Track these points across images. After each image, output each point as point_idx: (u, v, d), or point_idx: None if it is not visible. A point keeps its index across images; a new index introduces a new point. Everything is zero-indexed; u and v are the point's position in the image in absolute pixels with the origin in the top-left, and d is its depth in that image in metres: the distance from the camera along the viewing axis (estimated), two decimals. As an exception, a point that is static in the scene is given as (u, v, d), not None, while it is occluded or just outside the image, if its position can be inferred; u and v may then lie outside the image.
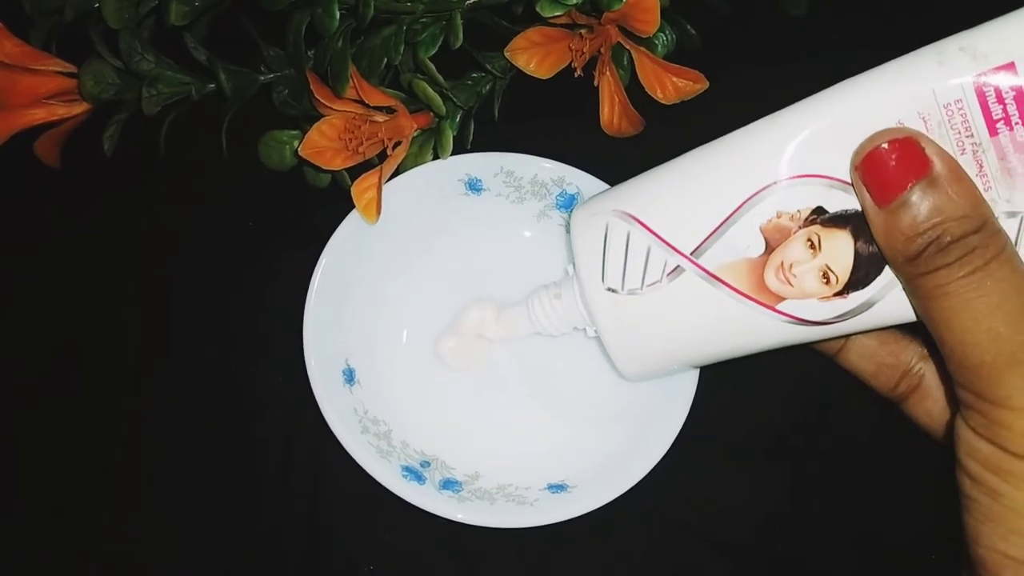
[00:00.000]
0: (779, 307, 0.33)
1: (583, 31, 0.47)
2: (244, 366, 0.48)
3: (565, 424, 0.46)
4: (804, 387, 0.48)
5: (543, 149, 0.47)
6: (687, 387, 0.43)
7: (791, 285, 0.33)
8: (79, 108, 0.48)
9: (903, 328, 0.38)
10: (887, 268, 0.32)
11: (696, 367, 0.39)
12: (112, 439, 0.47)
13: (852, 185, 0.31)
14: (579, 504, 0.41)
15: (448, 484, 0.42)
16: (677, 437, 0.42)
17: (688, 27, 0.49)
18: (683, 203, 0.35)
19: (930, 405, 0.38)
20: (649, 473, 0.42)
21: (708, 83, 0.47)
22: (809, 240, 0.32)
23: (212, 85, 0.48)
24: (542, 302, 0.41)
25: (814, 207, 0.32)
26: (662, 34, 0.48)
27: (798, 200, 0.32)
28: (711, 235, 0.33)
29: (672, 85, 0.48)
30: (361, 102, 0.45)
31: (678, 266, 0.34)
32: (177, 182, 0.52)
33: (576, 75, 0.47)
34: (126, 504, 0.47)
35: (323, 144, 0.45)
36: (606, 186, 0.46)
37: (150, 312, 0.49)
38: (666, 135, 0.50)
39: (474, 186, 0.47)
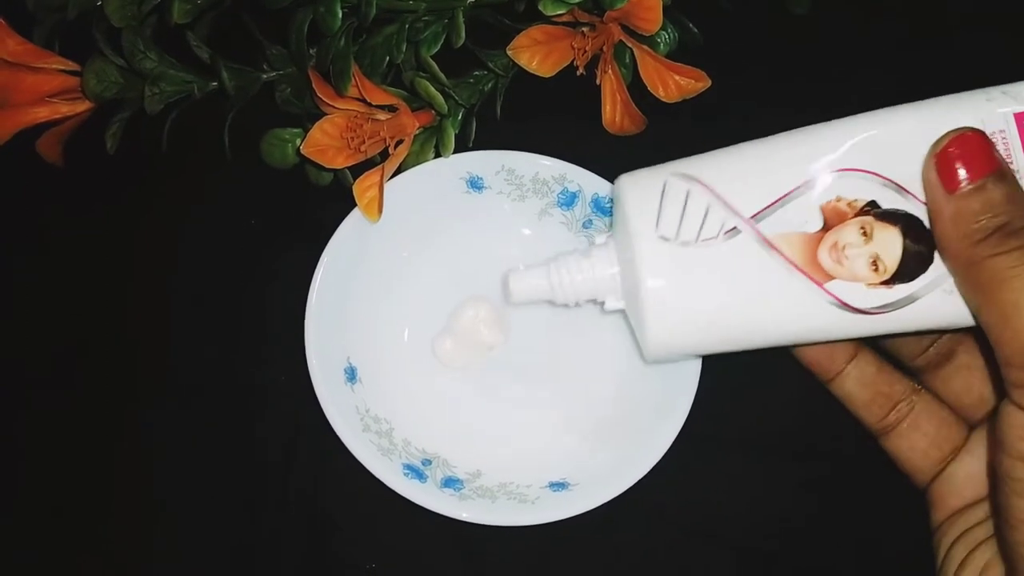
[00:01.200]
0: (827, 286, 0.34)
1: (585, 29, 0.47)
2: (246, 365, 0.48)
3: (566, 422, 0.46)
4: (807, 386, 0.48)
5: (545, 148, 0.47)
6: (689, 385, 0.43)
7: (842, 265, 0.34)
8: (82, 106, 0.49)
9: (895, 364, 0.41)
10: (931, 268, 0.33)
11: (723, 350, 0.38)
12: (112, 438, 0.47)
13: (908, 185, 0.34)
14: (580, 502, 0.41)
15: (449, 482, 0.43)
16: (678, 436, 0.42)
17: (690, 25, 0.49)
18: (748, 172, 0.36)
19: (917, 439, 0.39)
20: (650, 472, 0.42)
21: (710, 81, 0.47)
22: (862, 228, 0.34)
23: (214, 83, 0.48)
24: (567, 263, 0.40)
25: (869, 200, 0.34)
26: (664, 32, 0.48)
27: (856, 190, 0.34)
28: (772, 204, 0.35)
29: (674, 83, 0.48)
30: (363, 100, 0.45)
31: (735, 227, 0.35)
32: (179, 180, 0.52)
33: (578, 73, 0.47)
34: (126, 504, 0.47)
35: (325, 142, 0.45)
36: (608, 184, 0.46)
37: (151, 311, 0.49)
38: (668, 134, 0.51)
39: (475, 184, 0.47)
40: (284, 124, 0.48)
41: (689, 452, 0.43)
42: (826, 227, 0.34)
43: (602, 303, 0.40)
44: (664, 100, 0.48)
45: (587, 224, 0.47)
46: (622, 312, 0.40)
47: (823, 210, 0.34)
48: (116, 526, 0.46)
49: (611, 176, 0.46)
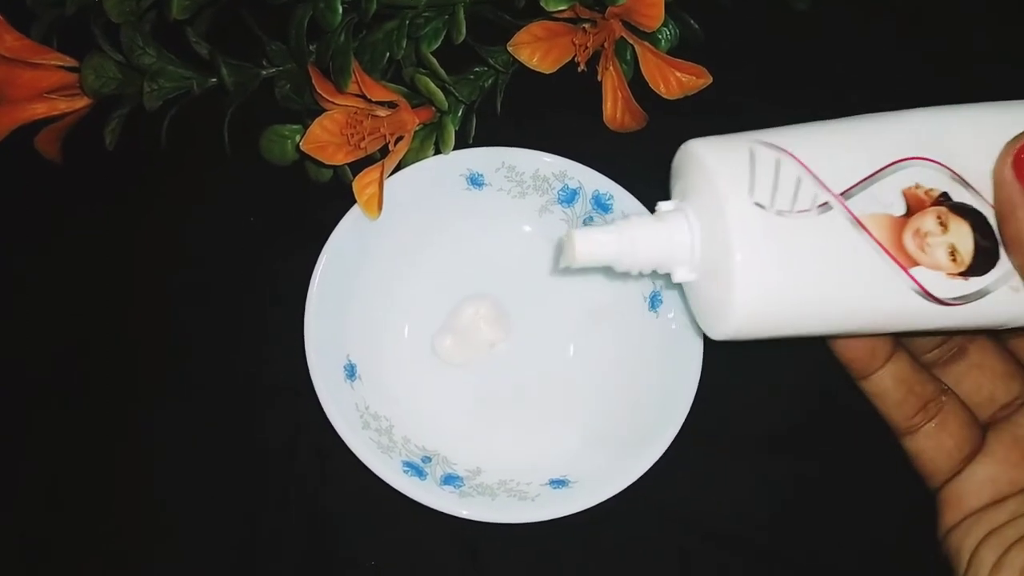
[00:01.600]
0: (912, 271, 0.34)
1: (586, 26, 0.47)
2: (245, 362, 0.48)
3: (567, 419, 0.46)
4: (808, 382, 0.48)
5: (545, 144, 0.47)
6: (689, 383, 0.43)
7: (924, 252, 0.34)
8: (80, 102, 0.48)
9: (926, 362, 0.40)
10: (998, 264, 0.33)
11: (800, 332, 0.36)
12: (113, 438, 0.47)
13: (974, 182, 0.34)
14: (580, 499, 0.41)
15: (449, 479, 0.42)
16: (678, 433, 0.42)
17: (691, 22, 0.49)
18: (836, 147, 0.35)
19: (944, 438, 0.39)
20: (650, 469, 0.42)
21: (712, 78, 0.47)
22: (939, 217, 0.34)
23: (214, 79, 0.48)
24: (640, 226, 0.36)
25: (942, 191, 0.34)
26: (665, 29, 0.48)
27: (933, 180, 0.34)
28: (860, 183, 0.34)
29: (675, 80, 0.48)
30: (363, 97, 0.45)
31: (827, 202, 0.33)
32: (178, 177, 0.51)
33: (579, 70, 0.47)
34: (127, 503, 0.47)
35: (325, 139, 0.45)
36: (608, 181, 0.46)
37: (151, 309, 0.49)
38: (669, 130, 0.50)
39: (476, 181, 0.47)
40: (284, 120, 0.48)
41: (690, 449, 0.42)
42: (909, 212, 0.34)
43: (665, 274, 0.37)
44: (665, 96, 0.48)
45: (587, 221, 0.47)
46: (684, 285, 0.37)
47: (905, 195, 0.34)
48: (117, 525, 0.46)
49: (612, 173, 0.47)
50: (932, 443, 0.39)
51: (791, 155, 0.34)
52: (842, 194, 0.34)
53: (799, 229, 0.33)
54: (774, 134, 0.35)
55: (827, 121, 0.36)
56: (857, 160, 0.34)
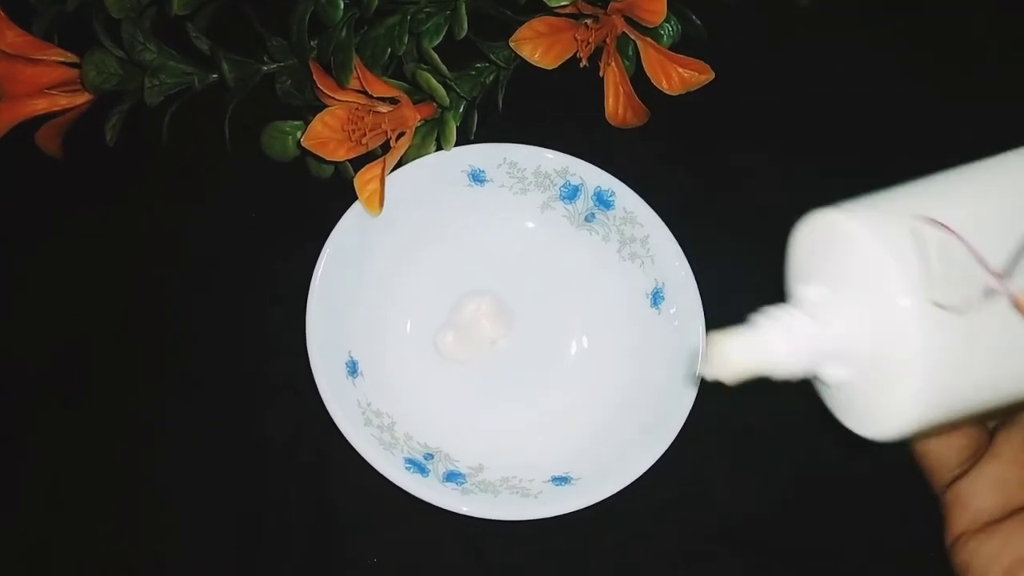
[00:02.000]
0: None
1: (588, 21, 0.47)
2: (246, 360, 0.48)
3: (569, 416, 0.46)
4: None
5: (547, 141, 0.47)
6: (692, 380, 0.43)
7: None
8: (81, 98, 0.48)
9: None
10: None
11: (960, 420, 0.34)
12: (114, 436, 0.47)
13: None
14: (583, 496, 0.41)
15: (452, 476, 0.42)
16: (681, 429, 0.42)
17: (693, 18, 0.49)
18: (985, 212, 0.31)
19: (951, 436, 0.38)
20: (653, 466, 0.42)
21: (714, 74, 0.47)
22: None
23: (215, 75, 0.48)
24: (787, 320, 0.31)
25: None
26: (668, 24, 0.48)
27: None
28: (1015, 257, 0.30)
29: (678, 76, 0.48)
30: (364, 92, 0.45)
31: (992, 287, 0.30)
32: (179, 173, 0.51)
33: (581, 65, 0.47)
34: (128, 501, 0.46)
35: (326, 135, 0.45)
36: (610, 177, 0.46)
37: (152, 307, 0.49)
38: (672, 127, 0.50)
39: (477, 177, 0.47)
40: (285, 116, 0.48)
41: (692, 445, 0.42)
42: None
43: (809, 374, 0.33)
44: (668, 92, 0.48)
45: (589, 218, 0.47)
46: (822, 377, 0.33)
47: None
48: (117, 525, 0.46)
49: (614, 169, 0.46)
50: (939, 441, 0.38)
51: (952, 231, 0.30)
52: (1002, 274, 0.30)
53: (972, 324, 0.30)
54: (932, 201, 0.31)
55: (961, 173, 0.32)
56: (1004, 225, 0.30)
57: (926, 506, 0.44)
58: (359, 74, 0.44)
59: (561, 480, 0.42)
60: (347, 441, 0.42)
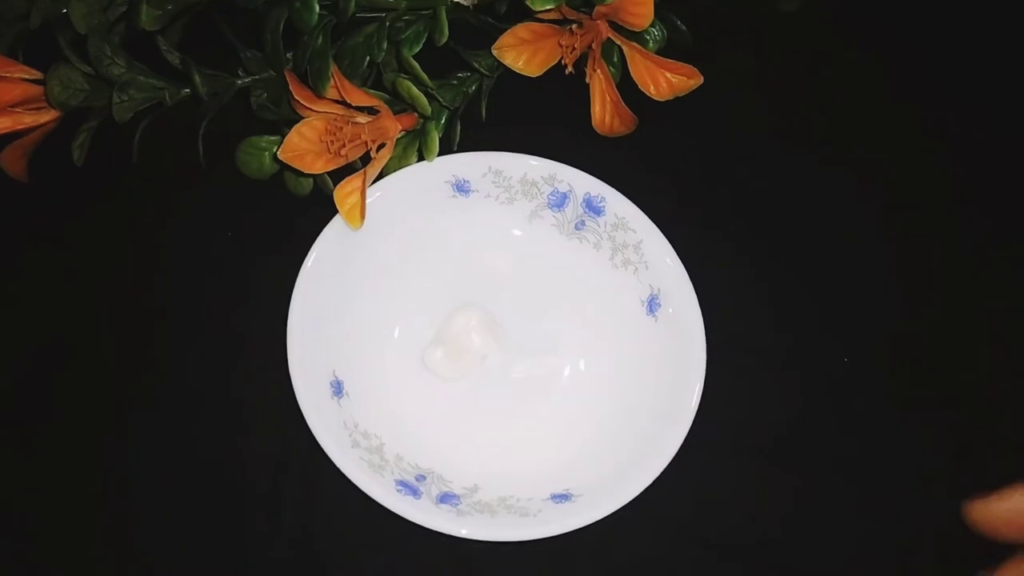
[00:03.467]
0: None
1: (573, 27, 0.45)
2: (226, 382, 0.46)
3: (567, 431, 0.44)
4: (811, 390, 0.46)
5: (532, 150, 0.45)
6: (692, 391, 0.41)
7: None
8: (46, 116, 0.46)
9: None
10: None
11: None
12: (86, 462, 0.44)
13: None
14: (585, 514, 0.39)
15: (446, 498, 0.40)
16: (684, 440, 0.40)
17: (678, 23, 0.48)
18: None
19: None
20: (655, 479, 0.40)
21: (703, 78, 0.46)
22: None
23: (187, 90, 0.46)
24: None
25: None
26: (653, 29, 0.47)
27: None
28: None
29: (666, 81, 0.47)
30: (343, 103, 0.44)
31: None
32: (152, 193, 0.49)
33: (567, 72, 0.46)
34: (100, 531, 0.43)
35: (303, 147, 0.43)
36: (599, 182, 0.45)
37: (125, 329, 0.47)
38: (660, 134, 0.49)
39: (462, 188, 0.45)
40: (261, 132, 0.46)
41: (694, 458, 0.41)
42: None
43: None
44: (655, 98, 0.47)
45: (579, 225, 0.45)
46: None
47: None
48: (94, 551, 0.43)
49: (602, 177, 0.45)
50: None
51: None
52: None
53: None
54: None
55: None
56: None
57: (932, 518, 0.44)
58: (337, 83, 0.43)
59: (561, 497, 0.40)
60: (334, 465, 0.39)
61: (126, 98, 0.45)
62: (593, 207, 0.45)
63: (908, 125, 0.52)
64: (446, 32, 0.44)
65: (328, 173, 0.45)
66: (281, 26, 0.43)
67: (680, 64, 0.46)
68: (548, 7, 0.43)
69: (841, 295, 0.48)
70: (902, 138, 0.52)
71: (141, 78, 0.45)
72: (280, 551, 0.43)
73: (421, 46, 0.45)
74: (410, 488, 0.40)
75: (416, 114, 0.45)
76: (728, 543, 0.44)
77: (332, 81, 0.43)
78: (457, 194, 0.45)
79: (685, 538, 0.43)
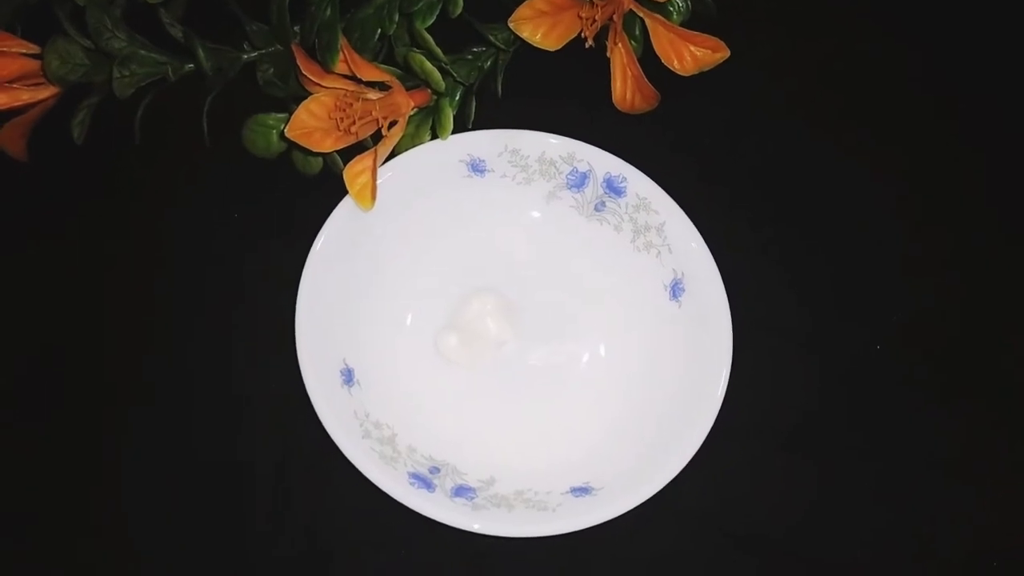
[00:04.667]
0: None
1: (593, -3, 0.44)
2: (233, 370, 0.44)
3: (586, 422, 0.42)
4: (834, 382, 0.45)
5: (550, 128, 0.44)
6: (718, 376, 0.40)
7: None
8: (45, 92, 0.45)
9: None
10: None
11: None
12: (86, 453, 0.43)
13: None
14: (606, 508, 0.38)
15: (461, 491, 0.39)
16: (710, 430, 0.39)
17: (703, -6, 0.46)
18: None
19: None
20: (680, 471, 0.38)
21: (729, 51, 0.44)
22: None
23: (190, 65, 0.44)
24: None
25: None
26: (677, 0, 0.45)
27: None
28: None
29: (690, 55, 0.45)
30: (353, 78, 0.42)
31: None
32: (155, 172, 0.48)
33: (587, 46, 0.44)
34: (101, 523, 0.42)
35: (312, 124, 0.41)
36: (621, 162, 0.43)
37: (127, 314, 0.45)
38: (684, 111, 0.48)
39: (477, 167, 0.44)
40: (268, 109, 0.44)
41: (716, 447, 0.39)
42: None
43: None
44: (679, 73, 0.45)
45: (599, 207, 0.44)
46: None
47: None
48: (89, 549, 0.42)
49: (623, 156, 0.43)
50: None
51: None
52: None
53: None
54: None
55: None
56: None
57: (950, 507, 0.43)
58: (346, 56, 0.41)
59: (581, 491, 0.39)
60: (343, 457, 0.38)
61: (127, 73, 0.43)
62: (614, 187, 0.43)
63: (940, 102, 0.51)
64: (460, 4, 0.42)
65: (338, 152, 0.43)
66: (288, -2, 0.41)
67: (705, 36, 0.44)
68: (567, -23, 0.41)
69: (865, 279, 0.47)
70: (933, 114, 0.50)
71: (143, 52, 0.43)
72: (284, 549, 0.41)
73: (435, 18, 0.43)
74: (423, 481, 0.38)
75: (429, 90, 0.44)
76: (751, 534, 0.42)
77: (341, 55, 0.41)
78: (472, 174, 0.44)
79: (708, 531, 0.42)
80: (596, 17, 0.44)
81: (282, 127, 0.43)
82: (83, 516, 0.42)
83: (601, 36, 0.45)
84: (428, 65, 0.42)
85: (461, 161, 0.43)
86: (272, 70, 0.45)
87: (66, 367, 0.45)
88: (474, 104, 0.45)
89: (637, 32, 0.46)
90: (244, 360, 0.44)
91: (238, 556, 0.42)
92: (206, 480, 0.43)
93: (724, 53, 0.44)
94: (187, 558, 0.41)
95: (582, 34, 0.44)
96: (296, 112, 0.41)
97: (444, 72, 0.43)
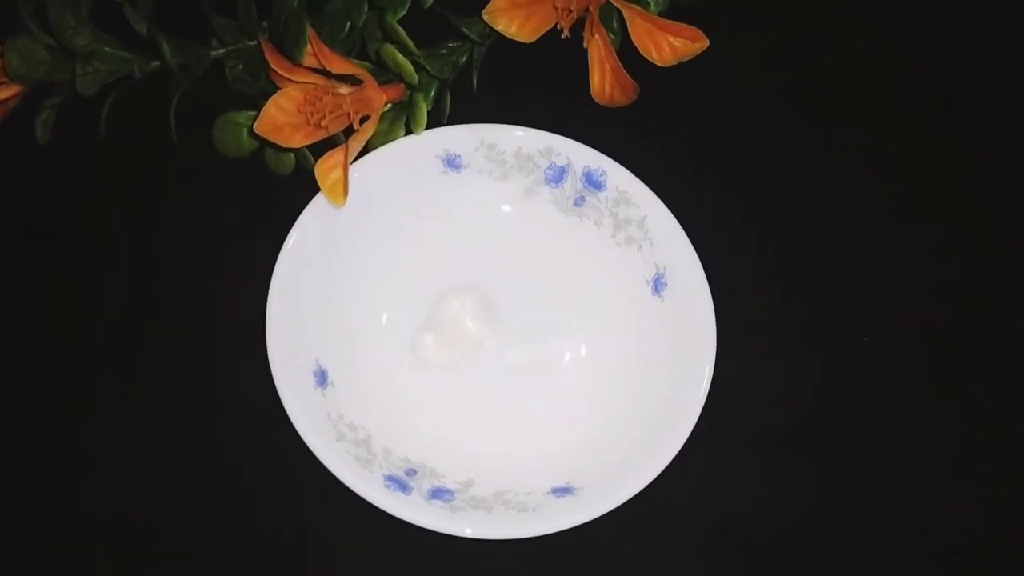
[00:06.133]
0: None
1: (568, -13, 0.43)
2: (203, 373, 0.43)
3: (567, 420, 0.42)
4: (819, 379, 0.45)
5: (527, 123, 0.43)
6: (701, 373, 0.39)
7: None
8: (7, 92, 0.44)
9: None
10: None
11: None
12: (60, 456, 0.42)
13: None
14: (587, 508, 0.37)
15: (438, 493, 0.38)
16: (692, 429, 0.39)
17: (681, -16, 0.45)
18: None
19: None
20: (662, 470, 0.38)
21: (708, 41, 0.43)
22: None
23: (156, 62, 0.43)
24: None
25: None
26: (655, -10, 0.44)
27: None
28: None
29: (668, 45, 0.44)
30: (323, 72, 0.41)
31: None
32: (122, 172, 0.47)
33: (563, 37, 0.43)
34: (76, 527, 0.41)
35: (281, 119, 0.40)
36: (599, 155, 0.42)
37: (94, 316, 0.44)
38: (663, 103, 0.47)
39: (453, 163, 0.43)
40: (239, 107, 0.43)
41: (700, 444, 0.39)
42: None
43: None
44: (658, 64, 0.44)
45: (579, 201, 0.43)
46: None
47: None
48: (69, 552, 0.41)
49: (602, 150, 0.43)
50: None
51: None
52: None
53: None
54: None
55: None
56: None
57: (944, 503, 0.42)
58: (315, 50, 0.40)
59: (562, 491, 0.38)
60: (318, 460, 0.37)
61: (90, 70, 0.42)
62: (593, 181, 0.42)
63: (926, 96, 0.50)
64: (432, -6, 0.41)
65: (310, 149, 0.42)
66: (254, -13, 0.40)
67: (684, 26, 0.43)
68: (541, -34, 0.41)
69: (850, 273, 0.46)
70: (919, 107, 0.50)
71: (107, 49, 0.42)
72: (260, 553, 0.41)
73: (406, 10, 0.42)
74: (399, 483, 0.37)
75: (403, 85, 0.43)
76: (742, 535, 0.42)
77: (310, 47, 0.40)
78: (448, 170, 0.43)
79: (697, 529, 0.42)
80: (572, 8, 0.43)
81: (252, 124, 0.42)
82: (60, 514, 0.41)
83: (577, 27, 0.44)
84: (400, 58, 0.41)
85: (436, 157, 0.43)
86: (241, 66, 0.44)
87: (38, 367, 0.44)
88: (449, 99, 0.44)
89: (615, 23, 0.45)
90: (218, 361, 0.43)
91: (212, 561, 0.41)
92: (180, 482, 0.42)
93: (703, 43, 0.43)
94: (160, 559, 0.41)
95: (558, 25, 0.43)
96: (265, 107, 0.40)
97: (418, 66, 0.42)
